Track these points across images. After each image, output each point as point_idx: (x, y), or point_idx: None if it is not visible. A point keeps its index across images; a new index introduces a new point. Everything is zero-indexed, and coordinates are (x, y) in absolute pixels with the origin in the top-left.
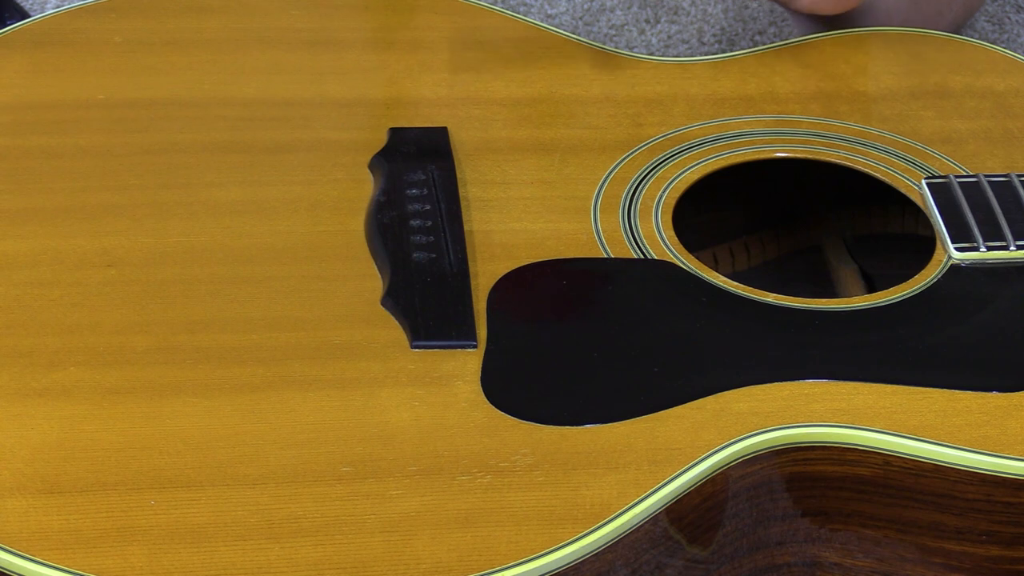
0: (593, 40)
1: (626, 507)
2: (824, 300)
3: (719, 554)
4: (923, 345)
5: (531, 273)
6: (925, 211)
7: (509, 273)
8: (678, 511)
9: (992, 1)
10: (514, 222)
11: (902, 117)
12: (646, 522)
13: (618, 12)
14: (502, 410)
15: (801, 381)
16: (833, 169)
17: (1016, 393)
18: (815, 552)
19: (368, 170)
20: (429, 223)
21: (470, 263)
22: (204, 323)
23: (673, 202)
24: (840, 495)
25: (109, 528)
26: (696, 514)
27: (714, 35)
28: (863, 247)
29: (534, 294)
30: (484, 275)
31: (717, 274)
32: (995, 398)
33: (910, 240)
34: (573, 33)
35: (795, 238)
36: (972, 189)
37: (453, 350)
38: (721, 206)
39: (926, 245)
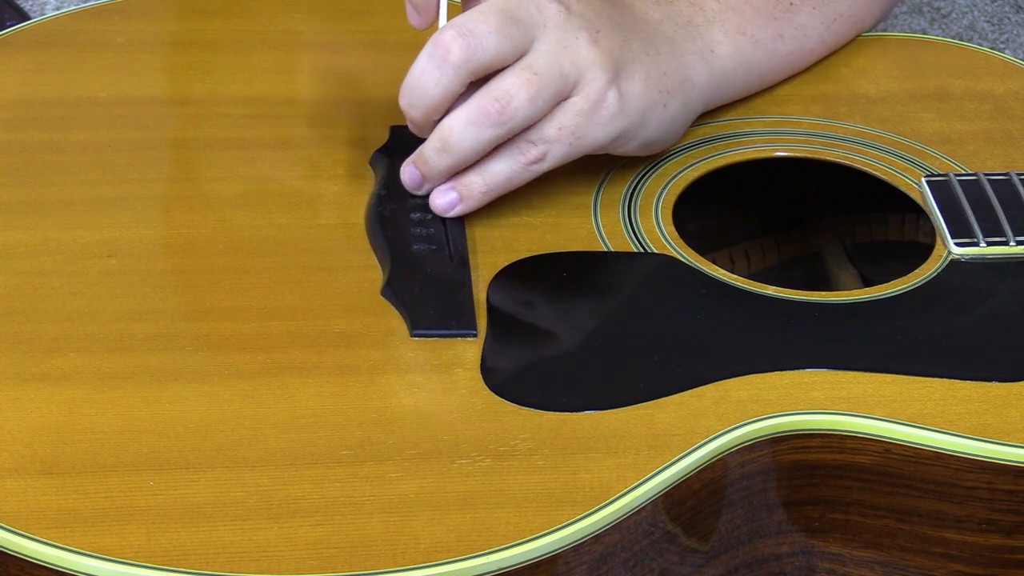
0: None
1: (625, 490)
2: (824, 293)
3: (719, 541)
4: (922, 336)
5: (532, 265)
6: (925, 208)
7: (510, 265)
8: (677, 496)
9: (992, 1)
10: (515, 216)
11: (902, 118)
12: (646, 506)
13: None
14: (502, 397)
15: (801, 370)
16: (833, 173)
17: (1016, 383)
18: (814, 541)
19: (369, 166)
20: (429, 216)
21: (471, 255)
22: (204, 312)
23: (673, 199)
24: (839, 484)
25: (108, 508)
26: (695, 500)
27: None
28: (863, 254)
29: (535, 285)
30: (485, 267)
31: (717, 267)
32: (995, 387)
33: (910, 247)
34: None
35: (795, 244)
36: (972, 186)
37: (453, 339)
38: (722, 212)
39: (926, 251)
